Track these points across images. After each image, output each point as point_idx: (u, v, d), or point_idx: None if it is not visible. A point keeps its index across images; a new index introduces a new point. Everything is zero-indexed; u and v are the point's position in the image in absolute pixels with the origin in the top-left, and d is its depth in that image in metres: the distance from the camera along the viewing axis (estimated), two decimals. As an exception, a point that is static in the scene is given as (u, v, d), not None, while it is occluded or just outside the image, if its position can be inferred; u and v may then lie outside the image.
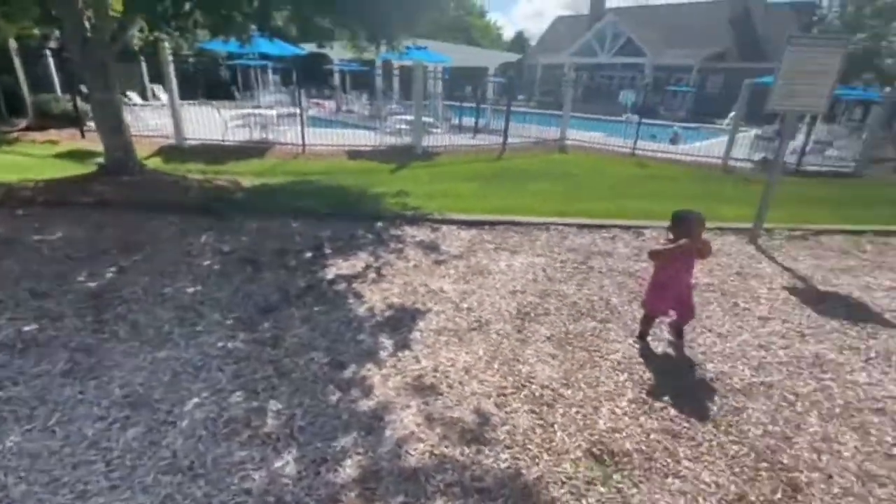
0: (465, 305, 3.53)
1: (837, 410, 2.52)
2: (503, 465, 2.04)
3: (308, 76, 15.35)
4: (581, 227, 5.48)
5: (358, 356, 2.83)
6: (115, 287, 3.56)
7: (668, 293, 2.97)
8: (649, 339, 3.15)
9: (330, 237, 4.90)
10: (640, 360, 2.92)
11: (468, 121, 14.64)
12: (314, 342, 2.96)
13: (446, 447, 2.13)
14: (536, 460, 2.08)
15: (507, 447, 2.15)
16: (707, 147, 12.38)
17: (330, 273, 4.03)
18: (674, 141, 14.04)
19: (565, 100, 12.96)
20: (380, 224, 5.38)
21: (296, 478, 1.95)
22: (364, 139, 11.12)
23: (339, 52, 19.39)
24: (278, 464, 2.01)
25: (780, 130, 12.84)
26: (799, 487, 2.01)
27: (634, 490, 1.95)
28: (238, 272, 3.94)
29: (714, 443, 2.24)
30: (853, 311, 3.70)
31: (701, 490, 1.97)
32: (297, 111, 10.65)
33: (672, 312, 3.12)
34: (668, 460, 2.11)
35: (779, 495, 1.96)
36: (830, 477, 2.07)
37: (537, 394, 2.54)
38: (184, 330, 3.03)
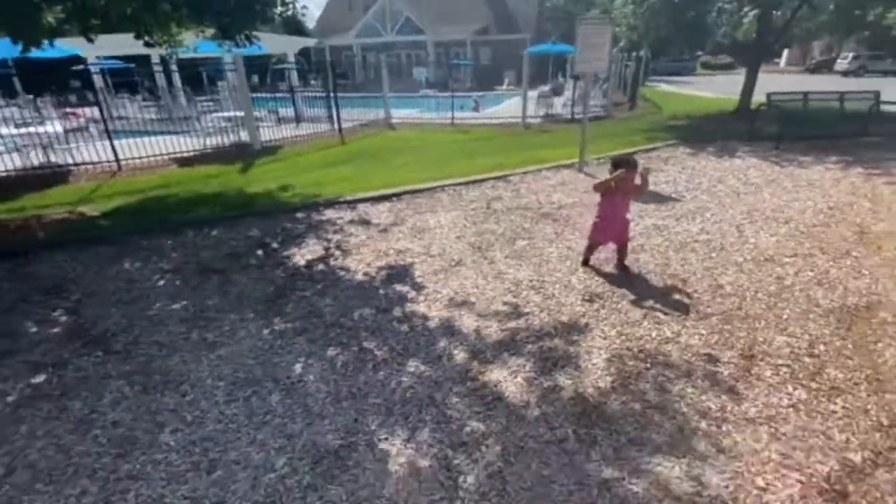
0: (435, 252, 4.40)
1: (677, 246, 4.34)
2: (545, 321, 3.15)
3: (42, 81, 12.34)
4: (466, 184, 6.71)
5: (393, 301, 3.51)
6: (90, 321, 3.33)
7: (610, 226, 3.68)
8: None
9: (264, 234, 5.05)
10: (572, 253, 4.30)
11: (282, 111, 14.39)
12: (348, 303, 3.50)
13: (505, 326, 3.11)
14: (558, 313, 3.25)
15: (539, 312, 3.26)
16: (503, 109, 15.04)
17: (299, 260, 4.36)
18: (475, 108, 16.49)
19: (383, 82, 14.01)
20: (300, 214, 5.66)
21: (434, 372, 2.68)
22: (179, 144, 9.91)
23: (93, 48, 16.28)
24: (425, 370, 2.70)
25: (554, 89, 16.37)
26: (722, 285, 3.64)
27: (616, 308, 3.30)
28: (206, 282, 3.97)
29: (640, 278, 3.75)
30: (658, 198, 5.83)
31: (648, 297, 3.45)
32: (85, 124, 9.04)
33: (611, 244, 3.83)
34: (625, 290, 3.54)
35: (708, 287, 3.56)
36: (703, 277, 3.74)
37: (529, 285, 3.68)
38: (211, 334, 3.18)
